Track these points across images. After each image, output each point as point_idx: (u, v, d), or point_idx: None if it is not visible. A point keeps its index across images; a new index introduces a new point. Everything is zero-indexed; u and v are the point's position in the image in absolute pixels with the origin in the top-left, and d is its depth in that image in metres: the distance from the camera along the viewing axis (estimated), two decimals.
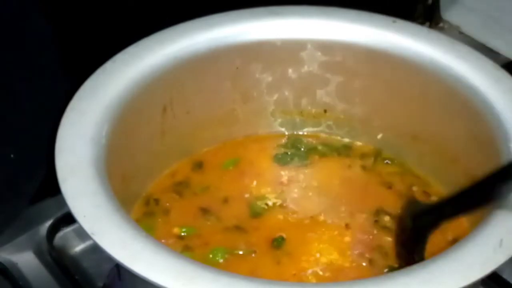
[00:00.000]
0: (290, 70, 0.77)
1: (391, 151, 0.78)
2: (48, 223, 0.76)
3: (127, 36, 0.72)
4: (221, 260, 0.67)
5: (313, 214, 0.71)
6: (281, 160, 0.78)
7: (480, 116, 0.67)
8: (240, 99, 0.77)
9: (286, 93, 0.78)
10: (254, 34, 0.74)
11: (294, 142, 0.79)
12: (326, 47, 0.75)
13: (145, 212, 0.71)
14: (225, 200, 0.73)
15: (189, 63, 0.72)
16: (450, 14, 1.05)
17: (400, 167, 0.77)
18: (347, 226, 0.70)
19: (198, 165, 0.76)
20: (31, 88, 0.69)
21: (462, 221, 0.70)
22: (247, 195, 0.73)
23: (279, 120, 0.80)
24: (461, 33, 1.03)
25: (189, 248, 0.68)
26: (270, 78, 0.77)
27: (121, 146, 0.66)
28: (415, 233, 0.66)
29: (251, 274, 0.65)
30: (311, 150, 0.79)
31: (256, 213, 0.72)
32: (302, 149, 0.79)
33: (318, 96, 0.78)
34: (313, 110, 0.79)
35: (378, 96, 0.76)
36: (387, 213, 0.71)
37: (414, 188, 0.75)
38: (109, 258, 0.53)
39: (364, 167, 0.77)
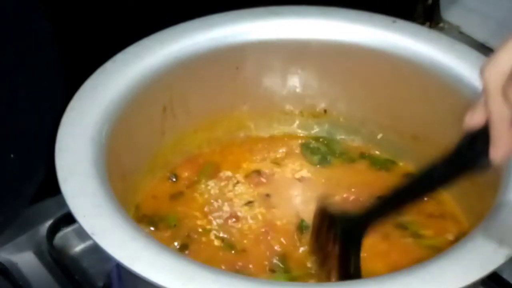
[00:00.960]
0: (290, 70, 0.77)
1: (390, 151, 0.77)
2: (48, 223, 0.76)
3: (127, 36, 0.72)
4: None
5: None
6: None
7: None
8: (240, 99, 0.77)
9: (286, 94, 0.78)
10: (254, 34, 0.74)
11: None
12: (326, 47, 0.75)
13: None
14: None
15: (189, 63, 0.72)
16: (450, 14, 1.05)
17: (401, 167, 0.77)
18: None
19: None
20: (31, 88, 0.69)
21: (462, 221, 0.70)
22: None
23: (279, 120, 0.80)
24: (461, 33, 1.03)
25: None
26: (269, 78, 0.77)
27: (121, 146, 0.66)
28: (349, 246, 0.61)
29: None
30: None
31: None
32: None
33: (318, 97, 0.78)
34: (313, 110, 0.79)
35: (377, 96, 0.76)
36: None
37: None
38: (109, 258, 0.53)
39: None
